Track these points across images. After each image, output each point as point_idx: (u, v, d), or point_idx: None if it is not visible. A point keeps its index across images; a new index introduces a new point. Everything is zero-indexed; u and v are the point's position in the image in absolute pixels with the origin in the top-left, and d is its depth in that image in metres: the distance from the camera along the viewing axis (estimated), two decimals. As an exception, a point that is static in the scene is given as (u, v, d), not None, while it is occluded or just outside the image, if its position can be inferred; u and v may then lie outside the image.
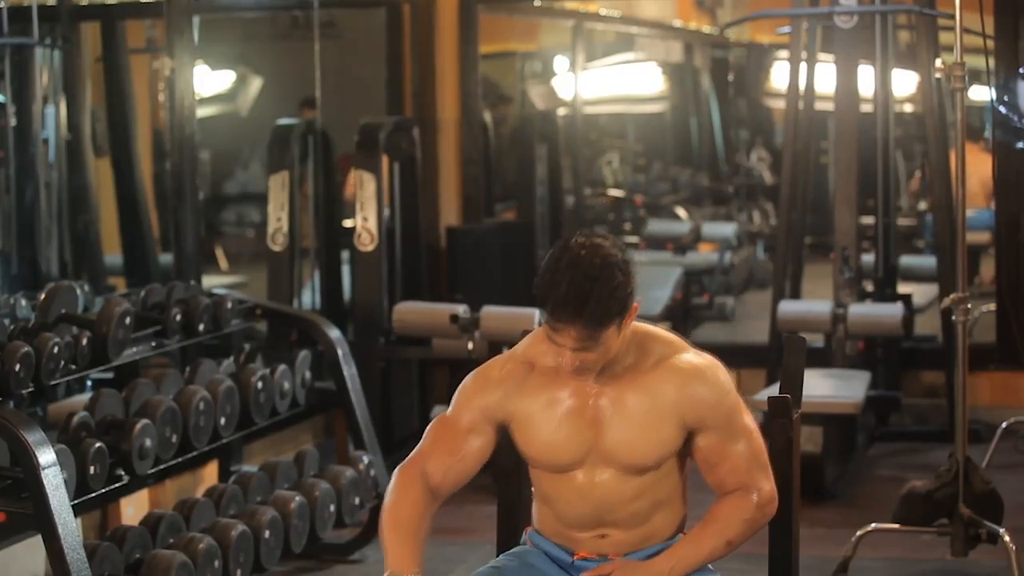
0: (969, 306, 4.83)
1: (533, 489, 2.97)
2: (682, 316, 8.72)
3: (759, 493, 2.89)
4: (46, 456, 3.96)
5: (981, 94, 9.56)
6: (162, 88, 8.06)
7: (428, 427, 2.96)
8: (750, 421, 2.93)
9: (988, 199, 8.46)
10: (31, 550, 4.37)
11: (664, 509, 2.90)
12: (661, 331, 2.91)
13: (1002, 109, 6.28)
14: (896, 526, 4.96)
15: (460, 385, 2.95)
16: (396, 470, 2.93)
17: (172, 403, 4.70)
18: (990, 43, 5.55)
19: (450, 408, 2.95)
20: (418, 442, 2.96)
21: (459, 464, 2.90)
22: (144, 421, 4.52)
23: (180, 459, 4.77)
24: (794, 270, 7.12)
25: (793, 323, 6.57)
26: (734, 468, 2.88)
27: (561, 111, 9.86)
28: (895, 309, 6.81)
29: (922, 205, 10.65)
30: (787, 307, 6.82)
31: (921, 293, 7.72)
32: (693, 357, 2.89)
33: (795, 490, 2.98)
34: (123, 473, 4.51)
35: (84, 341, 4.65)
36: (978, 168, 8.51)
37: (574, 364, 2.75)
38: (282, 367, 5.35)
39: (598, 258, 2.72)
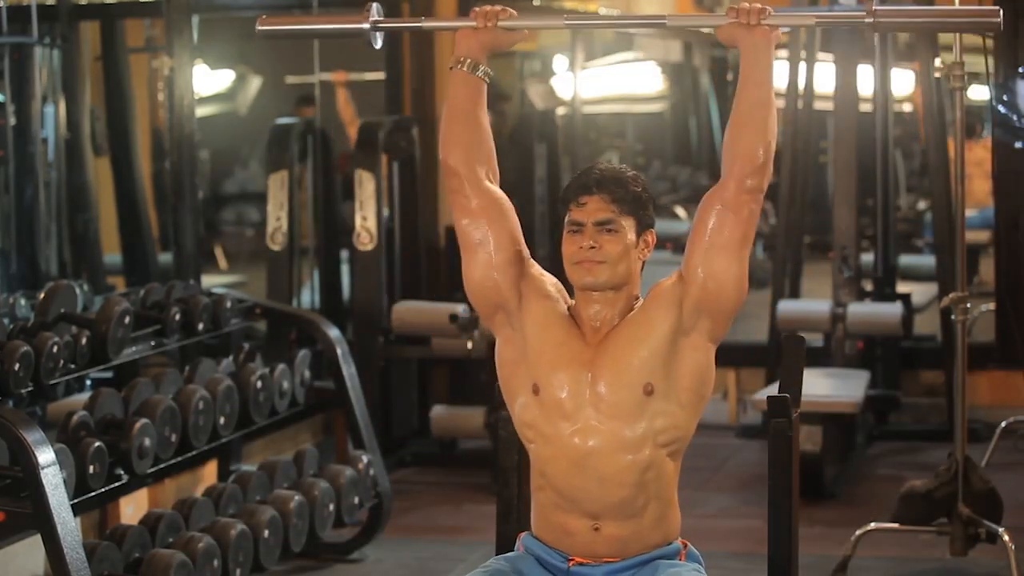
0: (968, 305, 4.84)
1: (531, 479, 2.96)
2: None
3: None
4: (45, 455, 3.96)
5: (981, 93, 9.56)
6: (161, 87, 8.06)
7: None
8: None
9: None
10: (30, 549, 4.36)
11: (654, 503, 2.89)
12: None
13: (1001, 109, 6.28)
14: (895, 525, 4.96)
15: None
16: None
17: (171, 402, 4.70)
18: (989, 42, 5.55)
19: None
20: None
21: (512, 237, 2.97)
22: (143, 420, 4.52)
23: (179, 458, 4.77)
24: (793, 269, 7.12)
25: (792, 322, 6.58)
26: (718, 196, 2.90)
27: (560, 110, 9.85)
28: (894, 308, 6.82)
29: (921, 204, 10.65)
30: (786, 306, 6.82)
31: (920, 292, 7.72)
32: None
33: (795, 489, 2.98)
34: (122, 472, 4.51)
35: (83, 340, 4.65)
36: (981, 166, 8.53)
37: (588, 242, 2.87)
38: (281, 366, 5.35)
39: (627, 168, 2.98)
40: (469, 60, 2.95)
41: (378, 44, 3.06)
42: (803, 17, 3.01)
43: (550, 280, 3.01)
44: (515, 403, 2.97)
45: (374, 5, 3.05)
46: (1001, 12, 2.88)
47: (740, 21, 2.86)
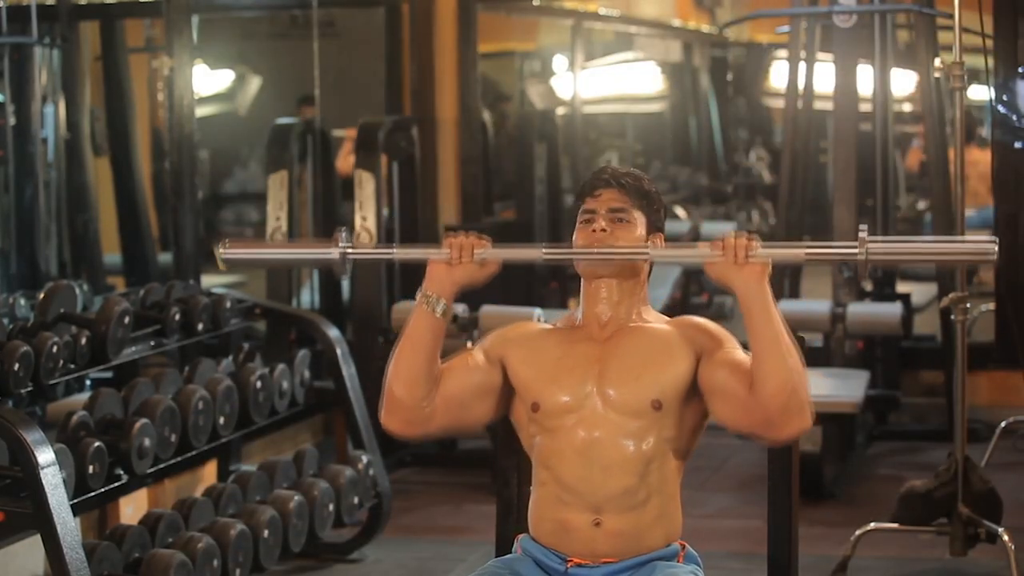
0: (968, 305, 4.84)
1: (534, 476, 2.96)
2: (681, 315, 8.71)
3: None
4: (45, 455, 3.96)
5: (980, 93, 9.56)
6: (161, 87, 8.05)
7: None
8: None
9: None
10: (30, 549, 4.37)
11: (656, 497, 2.89)
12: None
13: (1001, 108, 6.27)
14: (895, 525, 4.96)
15: None
16: None
17: (171, 402, 4.70)
18: (989, 42, 5.55)
19: None
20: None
21: (465, 374, 2.94)
22: (143, 420, 4.52)
23: (179, 458, 4.77)
24: (793, 269, 7.12)
25: (792, 322, 6.55)
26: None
27: (560, 110, 9.86)
28: (894, 308, 6.81)
29: (921, 204, 10.65)
30: (786, 306, 6.80)
31: (920, 292, 7.73)
32: None
33: (794, 489, 2.98)
34: (122, 472, 4.51)
35: (83, 340, 4.65)
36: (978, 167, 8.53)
37: (601, 224, 2.91)
38: (281, 366, 5.35)
39: (639, 171, 3.01)
40: (435, 297, 2.90)
41: (347, 274, 2.98)
42: (793, 253, 2.90)
43: (514, 326, 3.03)
44: (521, 431, 2.99)
45: (343, 232, 2.97)
46: (997, 241, 2.73)
47: (727, 260, 2.80)
